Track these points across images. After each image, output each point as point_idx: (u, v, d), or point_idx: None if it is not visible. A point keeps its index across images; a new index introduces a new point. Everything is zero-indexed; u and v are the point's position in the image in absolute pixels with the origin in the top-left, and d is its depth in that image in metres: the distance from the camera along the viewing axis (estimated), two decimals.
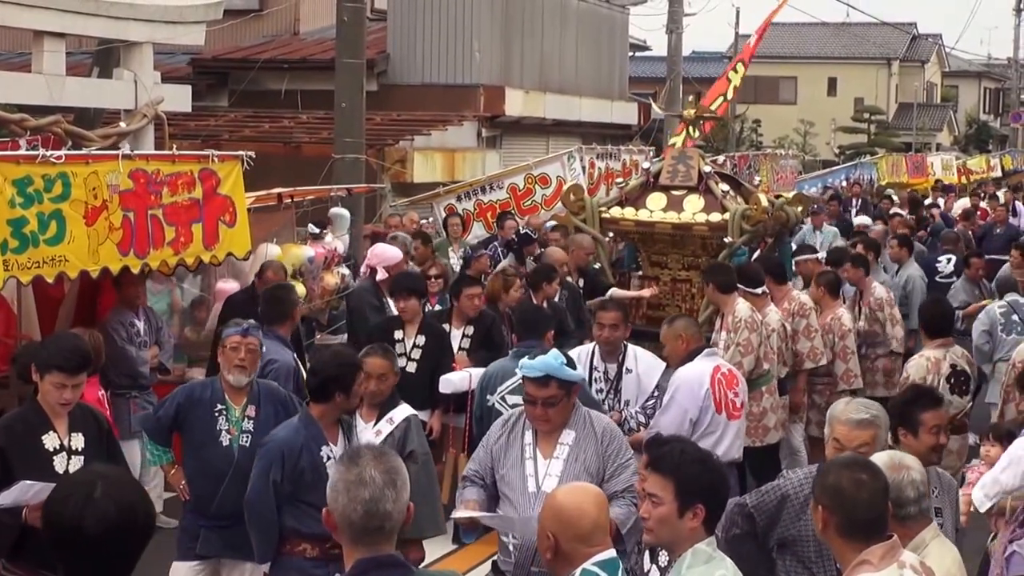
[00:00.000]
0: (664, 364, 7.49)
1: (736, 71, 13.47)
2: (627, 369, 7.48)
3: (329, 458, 5.69)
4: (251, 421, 6.22)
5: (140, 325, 8.50)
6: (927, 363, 7.78)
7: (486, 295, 9.29)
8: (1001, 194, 25.62)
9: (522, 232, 13.23)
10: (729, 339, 8.53)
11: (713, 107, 12.41)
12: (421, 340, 8.55)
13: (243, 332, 6.27)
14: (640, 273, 10.64)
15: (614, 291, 10.40)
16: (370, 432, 6.36)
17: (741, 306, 8.60)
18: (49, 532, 2.82)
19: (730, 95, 13.03)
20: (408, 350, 8.51)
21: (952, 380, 7.80)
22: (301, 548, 5.72)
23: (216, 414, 6.19)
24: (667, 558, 3.93)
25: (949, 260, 13.90)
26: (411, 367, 8.45)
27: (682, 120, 11.90)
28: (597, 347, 7.58)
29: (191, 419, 6.21)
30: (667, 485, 3.76)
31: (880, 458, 4.34)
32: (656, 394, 7.36)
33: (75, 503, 2.77)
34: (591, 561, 3.55)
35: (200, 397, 6.24)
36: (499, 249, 12.84)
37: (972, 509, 6.48)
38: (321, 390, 5.73)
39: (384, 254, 9.82)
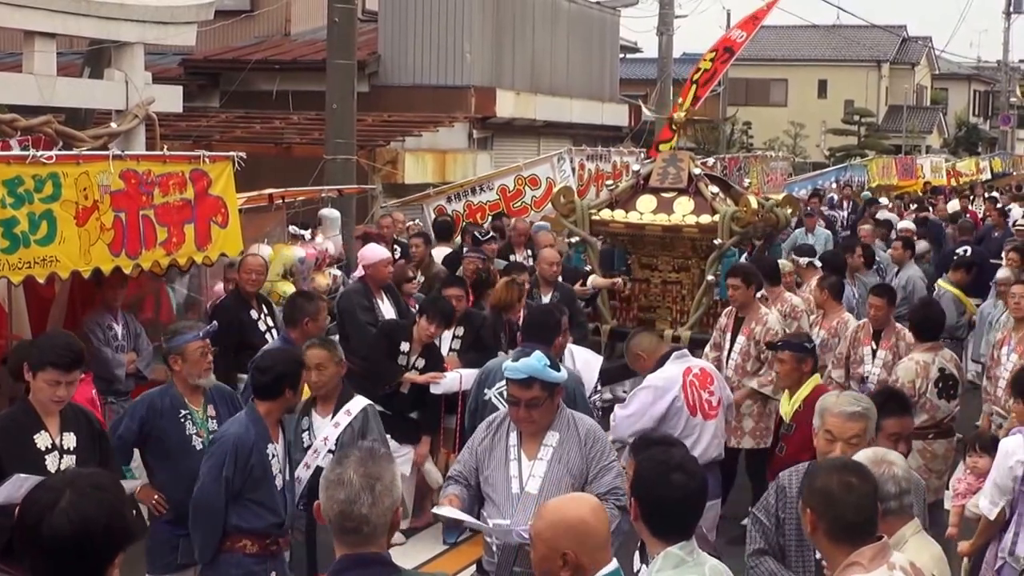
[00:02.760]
0: (600, 358, 7.80)
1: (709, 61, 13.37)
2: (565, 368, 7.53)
3: (274, 456, 5.82)
4: (213, 421, 6.28)
5: (118, 329, 8.46)
6: (916, 367, 7.81)
7: (493, 303, 9.26)
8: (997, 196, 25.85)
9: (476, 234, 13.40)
10: (748, 346, 8.57)
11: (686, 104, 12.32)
12: (421, 363, 8.55)
13: (205, 335, 6.36)
14: (631, 275, 10.68)
15: (593, 278, 10.45)
16: (328, 426, 6.46)
17: (773, 318, 8.67)
18: (18, 531, 2.87)
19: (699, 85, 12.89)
20: (408, 365, 8.53)
21: (940, 384, 7.84)
22: (242, 544, 5.80)
23: (183, 420, 6.21)
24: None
25: (966, 251, 14.13)
26: (404, 388, 8.52)
27: (672, 123, 11.95)
28: None
29: (159, 429, 6.20)
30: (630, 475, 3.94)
31: (864, 454, 4.38)
32: (599, 388, 7.46)
33: (37, 510, 2.80)
34: (599, 574, 3.51)
35: (162, 406, 6.23)
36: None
37: (965, 517, 6.57)
38: (273, 386, 5.83)
39: (367, 254, 9.86)
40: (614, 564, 3.56)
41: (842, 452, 4.73)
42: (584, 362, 7.61)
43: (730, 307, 8.97)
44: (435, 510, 5.34)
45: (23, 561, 2.91)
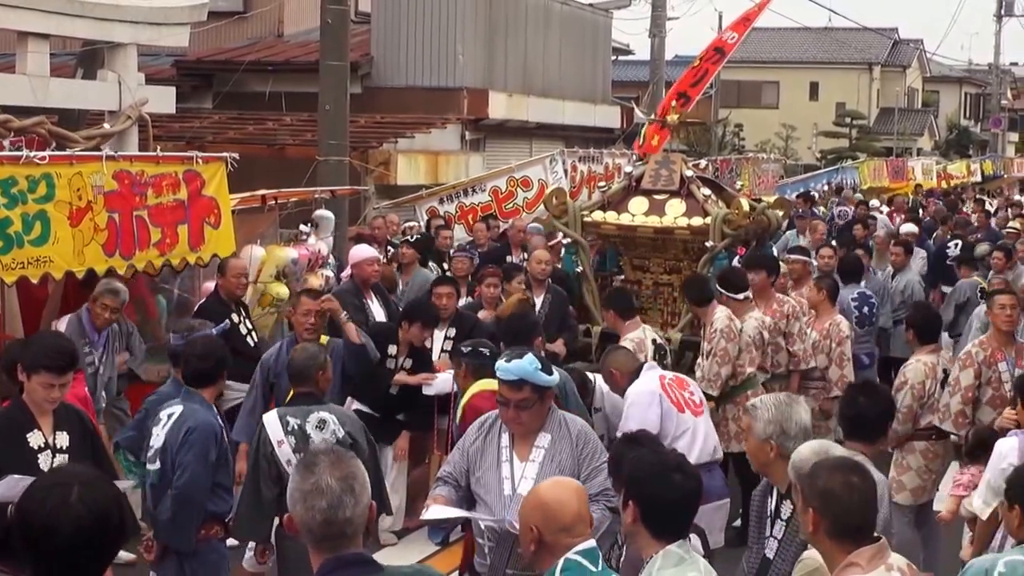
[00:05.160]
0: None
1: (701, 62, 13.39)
2: (596, 409, 7.54)
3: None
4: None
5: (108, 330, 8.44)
6: (924, 368, 7.83)
7: (499, 316, 9.26)
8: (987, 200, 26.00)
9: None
10: (708, 348, 8.65)
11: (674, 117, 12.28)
12: (408, 363, 8.58)
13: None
14: (622, 277, 10.69)
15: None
16: None
17: (719, 315, 8.69)
18: (21, 531, 2.81)
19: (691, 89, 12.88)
20: (396, 367, 8.55)
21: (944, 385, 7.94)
22: (215, 530, 5.97)
23: None
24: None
25: (956, 244, 14.32)
26: (393, 389, 8.55)
27: (665, 126, 11.97)
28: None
29: None
30: (617, 484, 4.02)
31: (811, 446, 4.41)
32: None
33: (50, 506, 2.77)
34: (573, 551, 3.61)
35: None
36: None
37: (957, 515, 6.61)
38: (213, 371, 6.01)
39: (354, 252, 9.89)
40: (591, 542, 3.67)
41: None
42: (612, 406, 7.47)
43: None
44: (424, 516, 5.32)
45: (20, 562, 2.88)
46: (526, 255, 12.20)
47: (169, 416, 5.93)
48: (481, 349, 6.77)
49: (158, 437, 5.92)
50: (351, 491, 3.11)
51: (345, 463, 3.17)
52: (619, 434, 7.13)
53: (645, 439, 4.52)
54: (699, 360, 8.99)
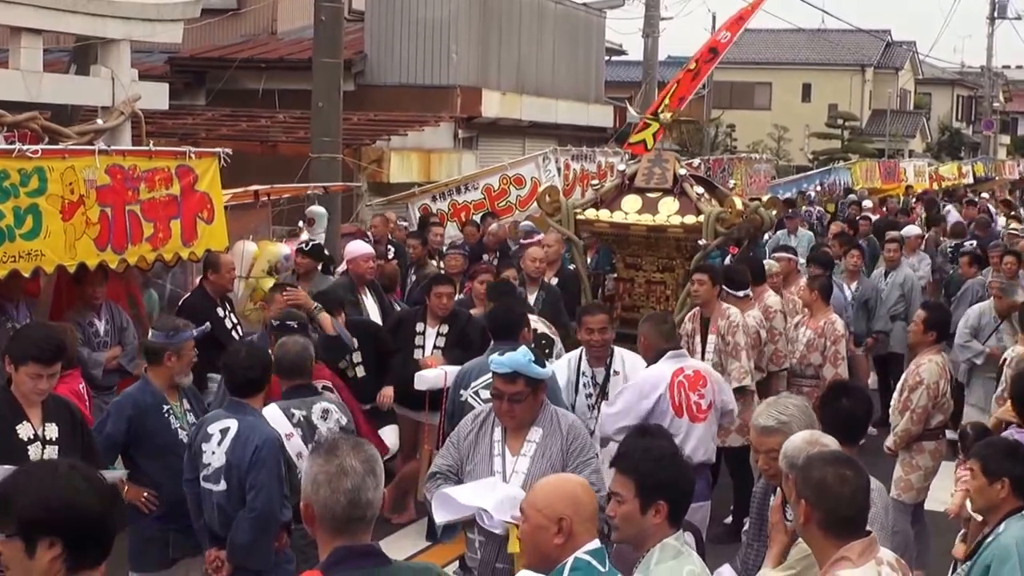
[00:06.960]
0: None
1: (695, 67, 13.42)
2: (614, 371, 7.50)
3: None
4: (190, 413, 6.31)
5: (100, 326, 8.39)
6: (937, 368, 7.88)
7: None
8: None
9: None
10: (720, 343, 8.65)
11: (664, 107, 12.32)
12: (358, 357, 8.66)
13: (199, 335, 6.48)
14: (615, 275, 10.70)
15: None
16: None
17: (734, 311, 8.76)
18: (29, 514, 2.70)
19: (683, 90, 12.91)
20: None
21: (952, 384, 7.97)
22: (284, 540, 5.87)
23: (166, 415, 6.21)
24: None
25: (973, 244, 14.43)
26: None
27: (659, 124, 11.97)
28: (584, 352, 7.59)
29: (147, 427, 6.18)
30: (627, 483, 3.88)
31: (802, 436, 4.40)
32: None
33: (63, 485, 2.72)
34: (583, 550, 3.59)
35: (145, 404, 6.22)
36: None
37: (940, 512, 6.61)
38: (261, 379, 5.91)
39: (350, 248, 9.90)
40: (597, 542, 3.64)
41: (764, 464, 4.80)
42: (632, 367, 7.52)
43: (693, 312, 9.08)
44: (443, 494, 5.30)
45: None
46: (498, 255, 12.28)
47: (223, 432, 5.74)
48: (289, 322, 6.79)
49: (216, 456, 5.71)
50: (373, 473, 3.16)
51: (365, 447, 3.22)
52: (605, 407, 7.18)
53: (656, 431, 4.51)
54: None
